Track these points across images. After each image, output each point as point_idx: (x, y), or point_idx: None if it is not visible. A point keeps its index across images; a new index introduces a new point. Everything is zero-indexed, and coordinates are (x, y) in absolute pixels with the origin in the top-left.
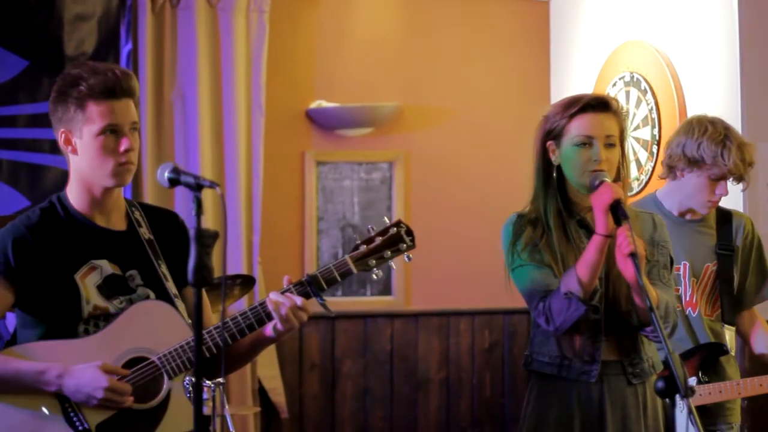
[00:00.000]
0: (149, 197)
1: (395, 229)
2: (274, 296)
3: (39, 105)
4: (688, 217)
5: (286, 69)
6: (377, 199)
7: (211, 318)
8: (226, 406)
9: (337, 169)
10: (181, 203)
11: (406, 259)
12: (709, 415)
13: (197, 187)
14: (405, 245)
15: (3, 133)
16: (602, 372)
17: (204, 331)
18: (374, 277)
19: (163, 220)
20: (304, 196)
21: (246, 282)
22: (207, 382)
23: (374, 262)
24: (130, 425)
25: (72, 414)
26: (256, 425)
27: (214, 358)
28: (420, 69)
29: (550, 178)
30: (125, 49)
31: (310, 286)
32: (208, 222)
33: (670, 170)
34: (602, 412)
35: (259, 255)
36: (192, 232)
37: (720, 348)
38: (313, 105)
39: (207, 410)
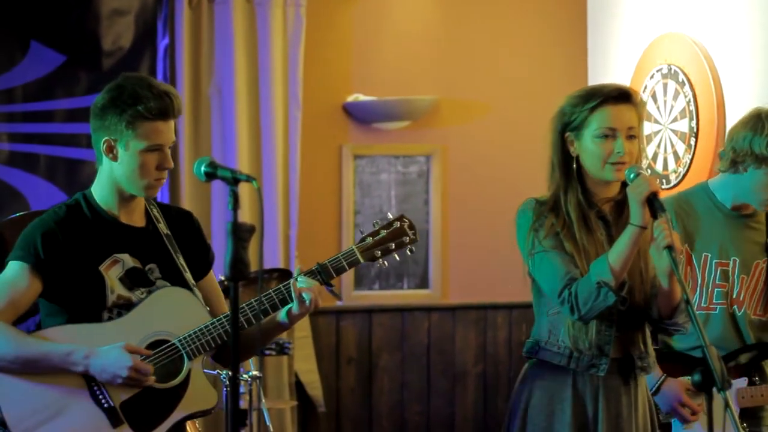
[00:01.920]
0: (186, 191)
1: (398, 223)
2: (301, 279)
3: (76, 100)
4: (740, 212)
5: (323, 63)
6: (414, 193)
7: (224, 305)
8: (263, 400)
9: (374, 162)
10: (217, 197)
11: (409, 252)
12: (749, 417)
13: (234, 181)
14: (408, 238)
15: (40, 128)
16: (608, 366)
17: (222, 315)
18: (378, 266)
19: (179, 217)
20: (341, 190)
21: (283, 276)
22: (244, 375)
23: (380, 252)
24: (153, 403)
25: (98, 392)
26: (293, 419)
27: (226, 344)
28: (456, 62)
29: (570, 171)
30: (162, 43)
31: (320, 275)
32: (245, 216)
33: (733, 164)
34: (596, 410)
35: (296, 249)
36: (228, 226)
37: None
38: (350, 99)
39: (244, 404)
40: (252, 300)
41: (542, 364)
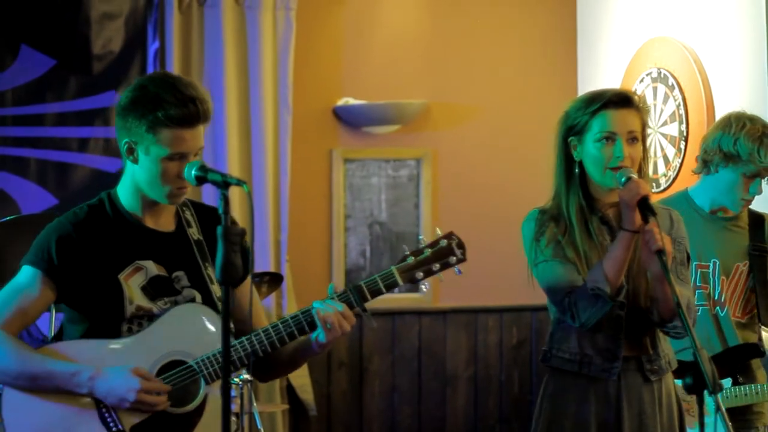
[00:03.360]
0: None
1: (446, 241)
2: (318, 304)
3: (66, 103)
4: (719, 215)
5: (313, 66)
6: (405, 197)
7: (262, 318)
8: (254, 404)
9: (364, 166)
10: (208, 201)
11: (457, 272)
12: (740, 416)
13: (224, 184)
14: (455, 258)
15: (30, 132)
16: (621, 369)
17: (244, 337)
18: (423, 288)
19: (215, 218)
20: (332, 194)
21: (273, 280)
22: (235, 379)
23: (421, 274)
24: (165, 429)
25: (107, 415)
26: (284, 423)
27: (257, 361)
28: (446, 66)
29: (572, 175)
30: (152, 47)
31: (353, 296)
32: (236, 220)
33: (705, 165)
34: (619, 408)
35: (287, 253)
36: (219, 230)
37: (755, 349)
38: (340, 102)
39: (235, 408)
40: (278, 321)
41: (559, 370)
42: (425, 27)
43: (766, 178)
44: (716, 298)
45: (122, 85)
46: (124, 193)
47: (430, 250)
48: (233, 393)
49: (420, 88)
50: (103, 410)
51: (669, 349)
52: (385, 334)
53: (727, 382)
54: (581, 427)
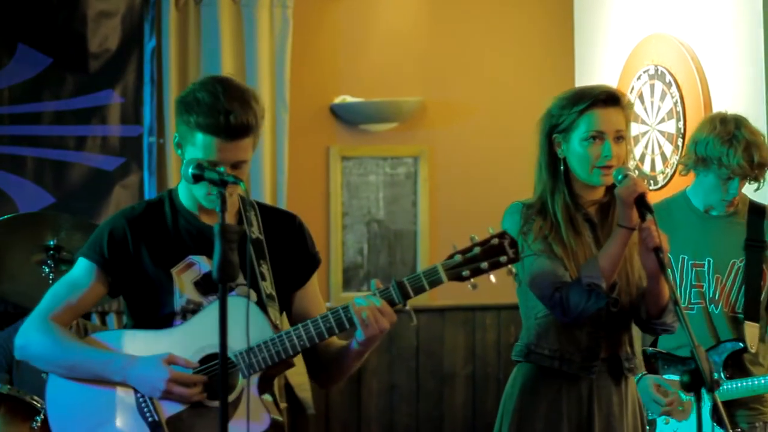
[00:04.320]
0: None
1: (497, 239)
2: (358, 300)
3: (63, 102)
4: (713, 213)
5: (310, 64)
6: (402, 194)
7: (314, 311)
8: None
9: (361, 164)
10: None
11: (509, 272)
12: (728, 412)
13: (221, 183)
14: (506, 257)
15: (27, 131)
16: (599, 367)
17: (283, 331)
18: (470, 288)
19: (279, 220)
20: (329, 192)
21: None
22: None
23: (468, 272)
24: (202, 421)
25: (143, 404)
26: None
27: (308, 360)
28: (444, 63)
29: (557, 172)
30: (149, 45)
31: (395, 291)
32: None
33: (685, 167)
34: (590, 409)
35: None
36: (216, 228)
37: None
38: (338, 100)
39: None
40: (318, 316)
41: (533, 367)
42: (422, 24)
43: (748, 177)
44: (710, 295)
45: (119, 83)
46: (183, 189)
47: (479, 248)
48: None
49: (417, 86)
50: (140, 400)
51: (639, 351)
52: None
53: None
54: (553, 426)
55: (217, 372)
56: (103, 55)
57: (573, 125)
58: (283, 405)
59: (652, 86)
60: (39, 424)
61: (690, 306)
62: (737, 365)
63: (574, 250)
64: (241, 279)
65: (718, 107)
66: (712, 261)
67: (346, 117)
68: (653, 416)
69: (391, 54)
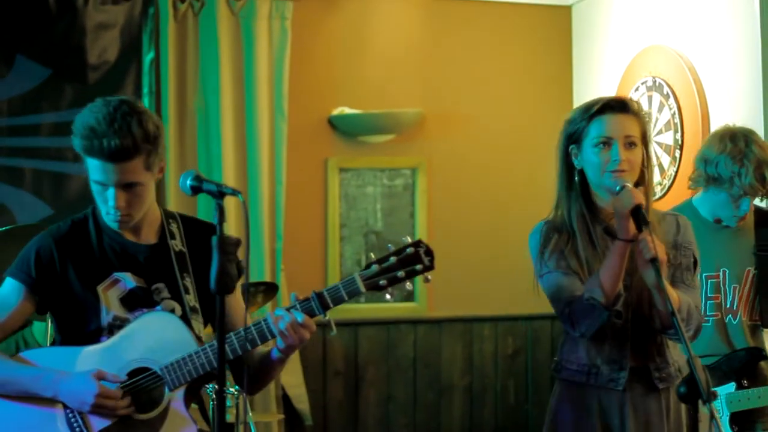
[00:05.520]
0: (172, 205)
1: (413, 248)
2: (276, 311)
3: (62, 113)
4: (723, 224)
5: (308, 76)
6: (400, 206)
7: (237, 320)
8: (250, 413)
9: (359, 175)
10: (204, 211)
11: (425, 280)
12: (747, 420)
13: (219, 194)
14: (422, 266)
15: (26, 142)
16: (628, 378)
17: (207, 344)
18: (387, 297)
19: (201, 231)
20: (327, 203)
21: (269, 289)
22: (231, 389)
23: (385, 281)
24: None
25: (72, 419)
26: None
27: (233, 369)
28: (441, 75)
29: (572, 183)
30: (148, 57)
31: (315, 303)
32: (231, 229)
33: (695, 183)
34: (623, 418)
35: (282, 262)
36: (214, 240)
37: (758, 352)
38: (336, 112)
39: (231, 417)
40: (240, 329)
41: (565, 382)
42: (419, 37)
43: (759, 194)
44: (728, 306)
45: (118, 94)
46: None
47: (395, 257)
48: (228, 403)
49: (415, 98)
50: (70, 414)
51: (679, 356)
52: (380, 343)
53: (730, 387)
54: None
55: (144, 386)
56: (102, 66)
57: (584, 132)
58: (280, 416)
59: (650, 98)
60: None
61: (706, 318)
62: (755, 374)
63: (589, 263)
64: (165, 293)
65: (715, 118)
66: (728, 271)
67: (344, 128)
68: None
69: (389, 66)
